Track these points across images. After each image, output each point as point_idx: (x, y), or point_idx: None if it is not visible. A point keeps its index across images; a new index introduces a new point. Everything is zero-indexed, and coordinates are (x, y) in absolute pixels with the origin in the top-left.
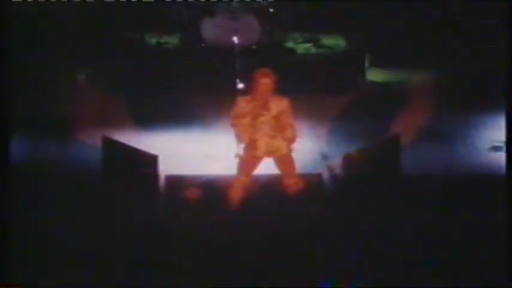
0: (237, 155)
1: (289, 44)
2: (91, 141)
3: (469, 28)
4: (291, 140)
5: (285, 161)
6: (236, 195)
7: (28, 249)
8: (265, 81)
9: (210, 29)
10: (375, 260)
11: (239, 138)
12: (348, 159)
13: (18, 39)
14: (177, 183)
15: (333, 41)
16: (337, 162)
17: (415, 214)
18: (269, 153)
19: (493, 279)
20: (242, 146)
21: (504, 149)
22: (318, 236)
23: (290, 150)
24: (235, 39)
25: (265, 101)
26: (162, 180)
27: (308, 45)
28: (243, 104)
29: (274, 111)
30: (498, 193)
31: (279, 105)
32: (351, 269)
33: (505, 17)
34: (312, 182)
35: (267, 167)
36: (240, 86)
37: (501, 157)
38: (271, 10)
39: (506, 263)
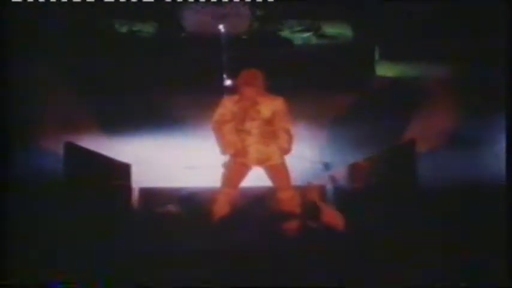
0: (224, 165)
1: (285, 34)
2: (52, 148)
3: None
4: (286, 149)
5: (277, 171)
6: (221, 210)
7: None
8: (250, 89)
9: (192, 16)
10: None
11: (220, 147)
12: (354, 169)
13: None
14: (153, 197)
15: (337, 30)
16: (341, 172)
17: (433, 231)
18: (259, 162)
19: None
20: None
21: None
22: (317, 258)
23: (283, 159)
24: (221, 27)
25: (255, 102)
26: (135, 194)
27: (307, 34)
28: (228, 105)
29: (266, 113)
30: None
31: (272, 106)
32: None
33: None
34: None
35: (258, 178)
36: (228, 82)
37: None
38: None
39: (507, 264)
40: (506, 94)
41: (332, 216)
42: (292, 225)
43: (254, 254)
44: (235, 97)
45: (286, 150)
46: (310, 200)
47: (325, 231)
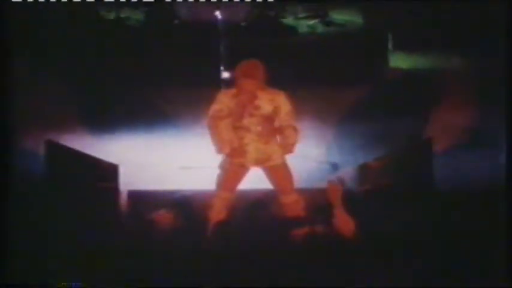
0: (220, 165)
1: (288, 21)
2: (32, 147)
3: None
4: (289, 147)
5: (278, 172)
6: (217, 216)
7: None
8: (249, 82)
9: (186, 1)
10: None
11: (215, 145)
12: (364, 170)
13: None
14: (143, 200)
15: (346, 17)
16: (350, 173)
17: (451, 237)
18: (258, 162)
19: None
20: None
21: None
22: (323, 268)
23: (284, 160)
24: (218, 14)
25: (254, 96)
26: (123, 197)
27: (313, 21)
28: (225, 100)
29: (266, 109)
30: None
31: (273, 101)
32: None
33: None
34: (318, 199)
35: (258, 180)
36: (225, 75)
37: None
38: None
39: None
40: (506, 93)
41: (344, 221)
42: (300, 231)
43: (254, 262)
44: (233, 91)
45: (289, 148)
46: (328, 201)
47: (334, 237)
